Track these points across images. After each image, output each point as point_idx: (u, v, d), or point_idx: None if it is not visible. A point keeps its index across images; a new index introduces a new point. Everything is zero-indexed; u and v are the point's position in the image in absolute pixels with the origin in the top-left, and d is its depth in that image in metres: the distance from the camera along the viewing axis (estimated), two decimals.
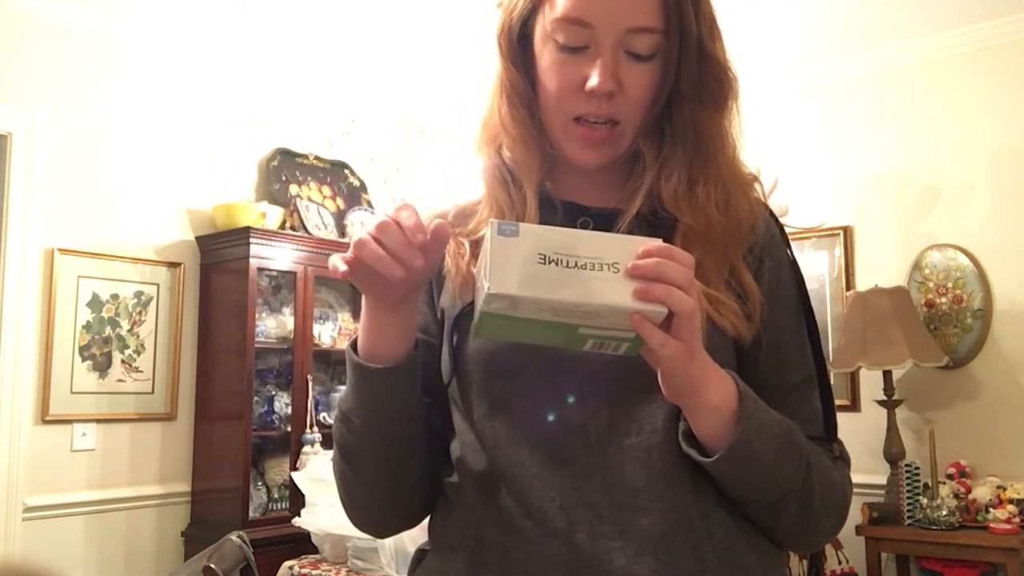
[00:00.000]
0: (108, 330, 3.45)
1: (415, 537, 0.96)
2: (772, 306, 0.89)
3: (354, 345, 0.86)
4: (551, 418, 0.84)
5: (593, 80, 0.84)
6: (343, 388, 3.84)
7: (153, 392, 3.56)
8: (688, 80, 0.87)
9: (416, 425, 0.88)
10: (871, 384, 3.54)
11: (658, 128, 0.90)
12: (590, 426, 0.83)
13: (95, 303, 3.42)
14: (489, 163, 0.95)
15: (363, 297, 0.83)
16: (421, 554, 0.92)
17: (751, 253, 0.91)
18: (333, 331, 3.95)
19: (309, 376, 3.72)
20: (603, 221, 0.90)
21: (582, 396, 0.84)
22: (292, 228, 3.86)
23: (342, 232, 4.04)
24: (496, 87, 0.94)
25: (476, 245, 0.88)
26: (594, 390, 0.84)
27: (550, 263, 0.70)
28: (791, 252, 0.95)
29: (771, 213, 0.96)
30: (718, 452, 0.78)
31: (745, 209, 0.91)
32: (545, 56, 0.88)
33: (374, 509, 0.93)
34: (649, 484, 0.81)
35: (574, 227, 0.89)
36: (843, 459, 0.92)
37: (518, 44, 0.91)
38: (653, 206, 0.89)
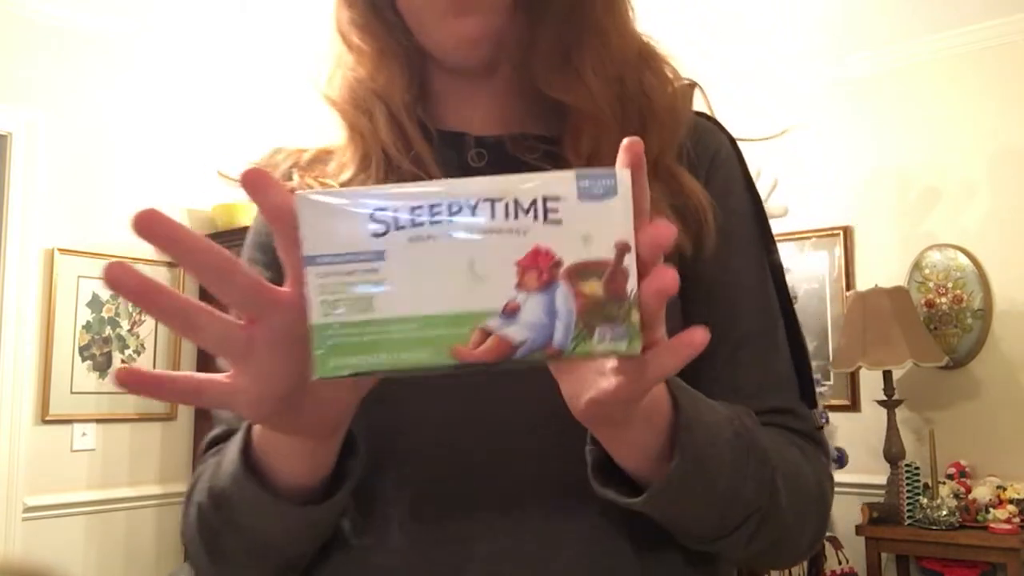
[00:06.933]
0: (108, 330, 3.45)
1: None
2: (719, 236, 0.68)
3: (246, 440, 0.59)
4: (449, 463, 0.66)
5: None
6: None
7: None
8: None
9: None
10: (871, 384, 3.54)
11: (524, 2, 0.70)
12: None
13: (95, 303, 3.42)
14: (338, 93, 0.77)
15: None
16: None
17: (697, 170, 0.71)
18: None
19: None
20: (496, 152, 0.72)
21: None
22: None
23: None
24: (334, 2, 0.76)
25: None
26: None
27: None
28: (749, 177, 0.76)
29: (724, 131, 0.77)
30: (652, 485, 0.55)
31: (653, 85, 0.71)
32: None
33: None
34: (556, 527, 0.63)
35: (464, 161, 0.71)
36: (812, 438, 0.69)
37: None
38: (551, 129, 0.71)
